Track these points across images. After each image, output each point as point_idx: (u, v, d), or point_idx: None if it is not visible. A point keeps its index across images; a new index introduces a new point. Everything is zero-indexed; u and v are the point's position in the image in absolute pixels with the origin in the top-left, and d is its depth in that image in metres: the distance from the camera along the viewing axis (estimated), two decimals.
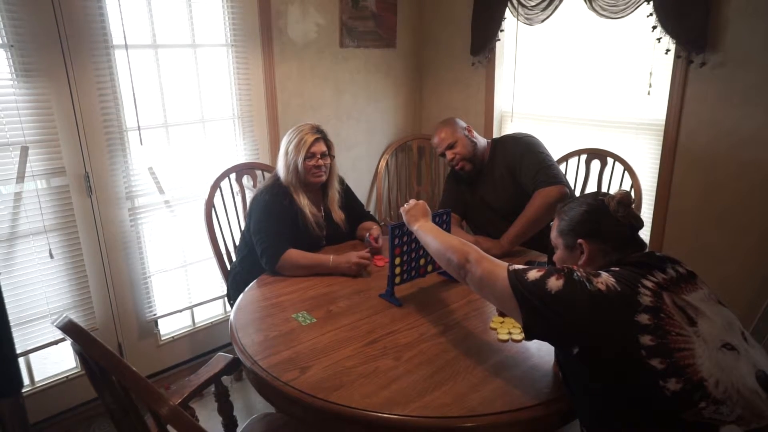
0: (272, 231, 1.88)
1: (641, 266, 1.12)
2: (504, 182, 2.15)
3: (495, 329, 1.44)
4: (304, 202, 1.98)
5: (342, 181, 2.19)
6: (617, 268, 1.12)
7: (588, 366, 1.04)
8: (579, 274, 1.09)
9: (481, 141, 2.23)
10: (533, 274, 1.12)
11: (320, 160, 1.97)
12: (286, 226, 1.92)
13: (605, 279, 1.07)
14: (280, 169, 2.00)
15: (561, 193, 1.96)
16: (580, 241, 1.21)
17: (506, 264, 1.19)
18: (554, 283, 1.08)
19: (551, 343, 1.14)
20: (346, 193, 2.20)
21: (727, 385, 0.98)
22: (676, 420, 0.97)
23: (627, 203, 1.20)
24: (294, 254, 1.84)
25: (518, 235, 1.99)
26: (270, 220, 1.90)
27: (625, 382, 1.01)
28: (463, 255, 1.26)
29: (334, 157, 2.06)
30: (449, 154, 2.18)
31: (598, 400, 1.07)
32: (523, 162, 2.08)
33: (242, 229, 2.43)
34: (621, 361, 1.01)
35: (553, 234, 1.30)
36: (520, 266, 1.16)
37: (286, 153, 1.97)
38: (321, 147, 1.98)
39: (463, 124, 2.22)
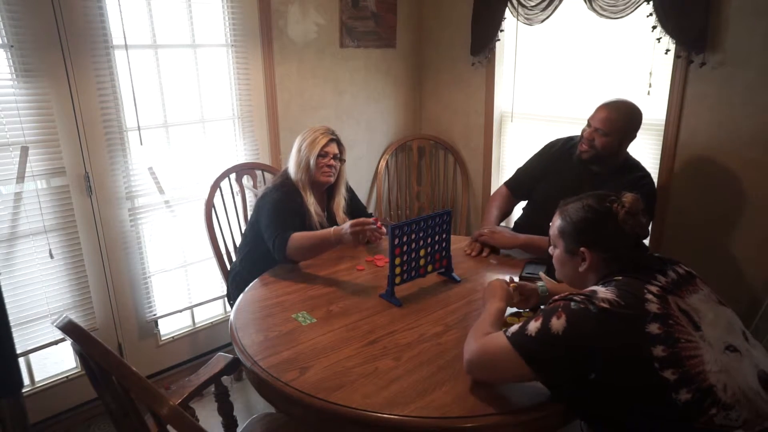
0: (281, 223, 1.86)
1: (643, 271, 1.10)
2: None
3: None
4: (310, 200, 2.00)
5: (349, 189, 2.21)
6: (620, 277, 1.10)
7: (604, 389, 1.02)
8: (576, 300, 1.05)
9: (624, 153, 2.00)
10: (533, 327, 1.06)
11: (332, 161, 2.00)
12: (296, 222, 1.92)
13: (605, 295, 1.04)
14: (291, 166, 2.03)
15: None
16: (582, 249, 1.18)
17: (500, 332, 1.14)
18: (557, 323, 1.03)
19: (572, 381, 1.06)
20: (352, 199, 2.21)
21: (734, 388, 0.98)
22: (689, 429, 0.96)
23: (635, 212, 1.15)
24: (296, 236, 1.80)
25: (536, 248, 1.90)
26: (281, 215, 1.89)
27: (639, 397, 0.99)
28: (465, 351, 1.20)
29: (344, 161, 2.08)
30: (590, 133, 1.93)
31: (609, 419, 1.05)
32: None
33: (244, 228, 2.43)
34: (636, 375, 0.99)
35: (553, 231, 1.26)
36: (514, 327, 1.11)
37: (299, 150, 2.00)
38: (334, 149, 2.01)
39: (637, 124, 1.95)
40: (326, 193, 2.13)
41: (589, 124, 1.96)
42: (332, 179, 2.04)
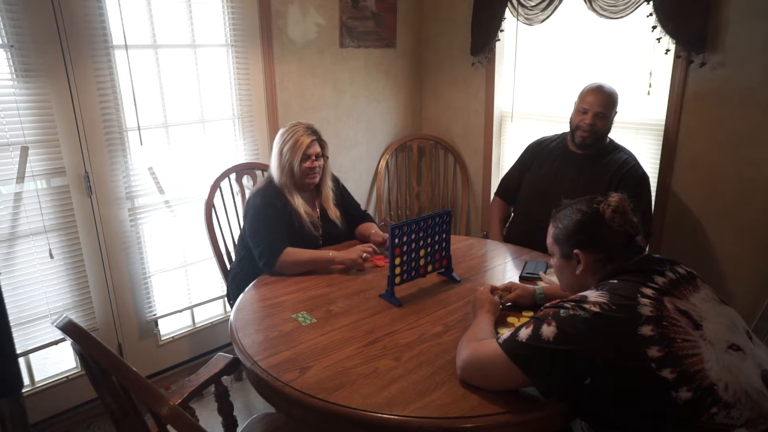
0: (267, 233, 1.87)
1: (640, 273, 1.11)
2: (594, 184, 1.98)
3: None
4: (298, 202, 1.97)
5: (336, 181, 2.18)
6: (615, 281, 1.10)
7: (602, 392, 1.02)
8: (566, 307, 1.07)
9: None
10: (524, 334, 1.08)
11: (315, 162, 1.96)
12: (281, 227, 1.91)
13: (596, 299, 1.05)
14: (274, 169, 1.99)
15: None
16: (576, 251, 1.20)
17: (492, 339, 1.16)
18: (548, 330, 1.05)
19: (566, 386, 1.07)
20: (342, 192, 2.19)
21: (736, 387, 0.98)
22: (689, 428, 0.96)
23: (622, 211, 1.18)
24: (291, 252, 1.83)
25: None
26: (264, 223, 1.89)
27: (638, 399, 0.99)
28: (458, 358, 1.22)
29: (327, 157, 2.05)
30: (591, 119, 2.02)
31: (610, 419, 1.05)
32: (637, 195, 1.93)
33: (240, 230, 2.43)
34: (633, 377, 0.99)
35: (549, 240, 1.29)
36: (506, 334, 1.13)
37: (281, 153, 1.95)
38: (316, 148, 1.96)
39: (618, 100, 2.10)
40: (315, 190, 2.09)
41: (585, 111, 2.03)
42: (317, 180, 2.01)
